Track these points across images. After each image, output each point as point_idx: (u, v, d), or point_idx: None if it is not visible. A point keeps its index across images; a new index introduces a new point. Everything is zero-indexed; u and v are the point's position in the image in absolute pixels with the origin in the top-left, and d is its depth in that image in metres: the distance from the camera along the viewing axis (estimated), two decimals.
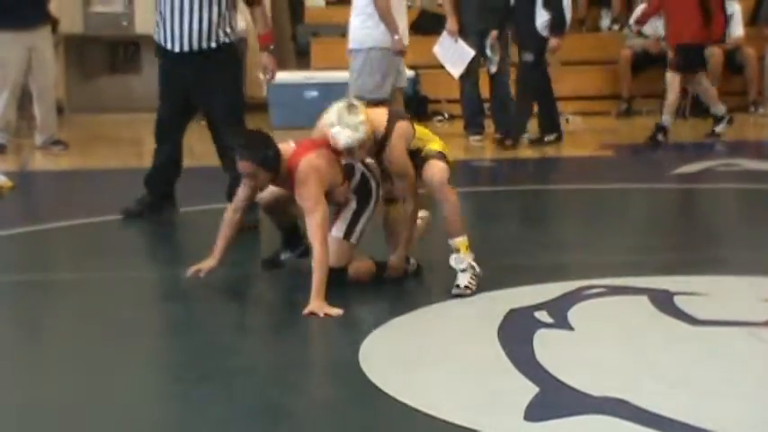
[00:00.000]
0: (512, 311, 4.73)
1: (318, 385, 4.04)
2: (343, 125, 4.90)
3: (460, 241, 5.09)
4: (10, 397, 3.95)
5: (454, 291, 5.02)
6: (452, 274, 5.10)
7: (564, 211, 7.57)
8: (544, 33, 10.13)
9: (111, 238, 6.59)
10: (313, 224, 4.84)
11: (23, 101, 10.22)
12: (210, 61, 6.56)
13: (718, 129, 10.62)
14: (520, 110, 10.50)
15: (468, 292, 5.01)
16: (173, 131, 6.87)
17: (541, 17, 10.07)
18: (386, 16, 8.50)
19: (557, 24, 10.10)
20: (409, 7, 13.02)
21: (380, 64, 8.64)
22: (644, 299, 4.94)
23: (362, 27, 8.66)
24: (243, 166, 4.96)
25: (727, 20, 10.87)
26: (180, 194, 7.05)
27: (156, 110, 6.93)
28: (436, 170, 5.09)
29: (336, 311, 4.69)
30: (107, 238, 6.59)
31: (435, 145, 5.20)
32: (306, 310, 4.69)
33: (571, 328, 4.55)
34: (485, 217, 7.49)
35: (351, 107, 4.98)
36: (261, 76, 6.97)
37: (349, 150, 4.97)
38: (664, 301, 4.88)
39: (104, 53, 13.93)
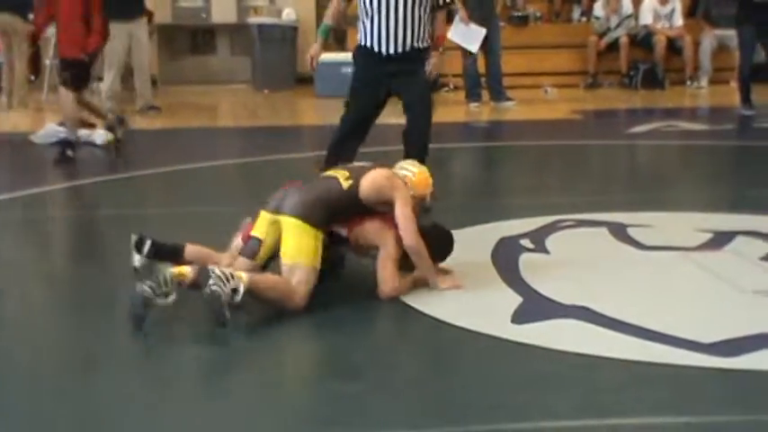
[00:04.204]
0: (502, 239, 4.71)
1: (360, 303, 3.89)
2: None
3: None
4: None
5: None
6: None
7: (542, 162, 7.53)
8: None
9: (199, 181, 6.54)
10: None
11: (126, 76, 10.22)
12: (414, 60, 5.16)
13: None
14: None
15: None
16: (358, 135, 5.27)
17: None
18: None
19: None
20: None
21: None
22: (604, 230, 4.91)
23: None
24: None
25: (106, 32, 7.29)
26: (249, 147, 6.82)
27: (345, 116, 5.30)
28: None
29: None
30: (194, 181, 6.57)
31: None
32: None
33: (548, 252, 4.54)
34: (481, 167, 7.48)
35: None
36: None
37: None
38: (619, 232, 4.85)
39: (188, 38, 13.91)
